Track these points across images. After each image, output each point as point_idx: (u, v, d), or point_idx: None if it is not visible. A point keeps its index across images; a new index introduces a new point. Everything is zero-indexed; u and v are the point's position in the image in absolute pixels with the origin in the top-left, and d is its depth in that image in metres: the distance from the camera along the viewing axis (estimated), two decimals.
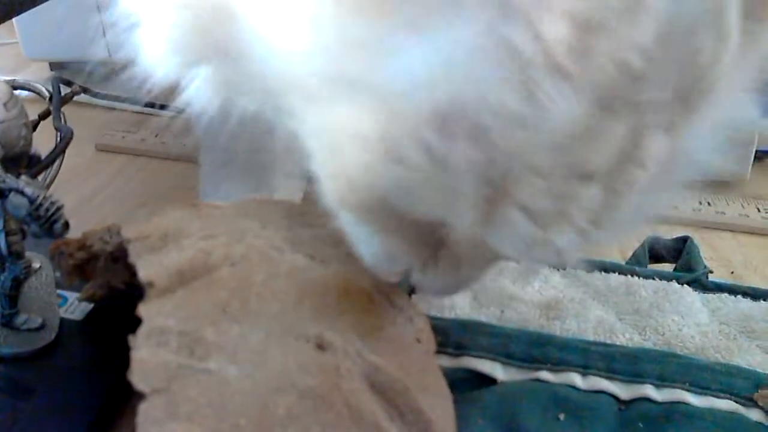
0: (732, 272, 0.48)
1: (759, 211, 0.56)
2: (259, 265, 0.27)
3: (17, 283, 0.34)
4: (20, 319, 0.34)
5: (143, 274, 0.26)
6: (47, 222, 0.34)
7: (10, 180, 0.35)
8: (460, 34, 0.19)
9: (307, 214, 0.31)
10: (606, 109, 0.19)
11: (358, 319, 0.26)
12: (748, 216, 0.55)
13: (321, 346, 0.24)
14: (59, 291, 0.36)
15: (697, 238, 0.47)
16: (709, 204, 0.57)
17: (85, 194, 0.54)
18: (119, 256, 0.31)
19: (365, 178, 0.22)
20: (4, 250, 0.34)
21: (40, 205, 0.35)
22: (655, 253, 0.45)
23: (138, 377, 0.22)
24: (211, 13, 0.25)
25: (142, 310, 0.24)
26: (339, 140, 0.23)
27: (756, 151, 0.60)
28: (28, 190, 0.35)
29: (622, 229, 0.24)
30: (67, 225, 0.36)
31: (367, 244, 0.26)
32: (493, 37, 0.19)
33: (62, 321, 0.34)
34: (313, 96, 0.23)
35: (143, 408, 0.21)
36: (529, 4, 0.18)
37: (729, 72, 0.20)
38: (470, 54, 0.19)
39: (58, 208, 0.36)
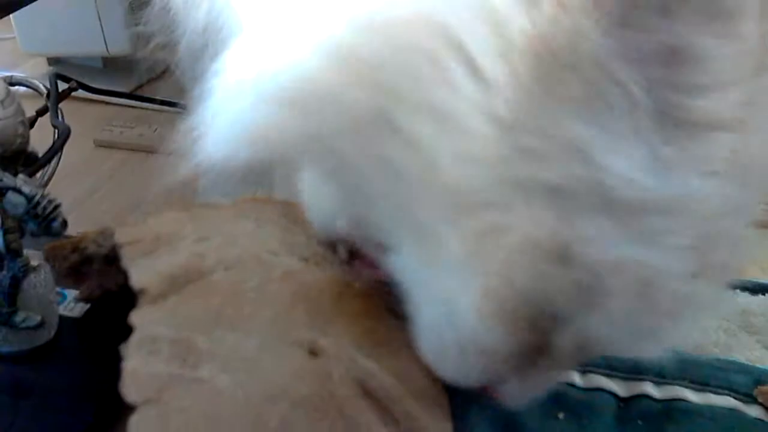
0: None
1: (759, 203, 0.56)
2: (253, 269, 0.27)
3: (16, 281, 0.34)
4: (19, 317, 0.34)
5: (135, 280, 0.25)
6: (45, 220, 0.34)
7: (7, 178, 0.35)
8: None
9: (303, 214, 0.31)
10: None
11: (352, 322, 0.26)
12: None
13: (314, 352, 0.24)
14: (58, 288, 0.36)
15: None
16: None
17: (83, 190, 0.54)
18: (113, 259, 0.30)
19: (531, 282, 0.22)
20: (3, 248, 0.34)
21: (38, 203, 0.35)
22: None
23: (129, 388, 0.22)
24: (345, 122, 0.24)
25: (134, 317, 0.24)
26: (503, 245, 0.22)
27: None
28: (26, 189, 0.35)
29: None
30: (65, 223, 0.36)
31: (462, 360, 0.25)
32: None
33: (61, 319, 0.34)
34: (472, 204, 0.22)
35: (134, 420, 0.21)
36: None
37: None
38: None
39: (56, 207, 0.36)
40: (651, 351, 0.26)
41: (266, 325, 0.25)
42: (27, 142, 0.40)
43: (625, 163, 0.21)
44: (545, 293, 0.23)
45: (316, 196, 0.29)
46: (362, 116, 0.22)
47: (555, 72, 0.21)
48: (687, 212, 0.22)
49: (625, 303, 0.23)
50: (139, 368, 0.22)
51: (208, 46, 0.32)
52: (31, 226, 0.35)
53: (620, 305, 0.23)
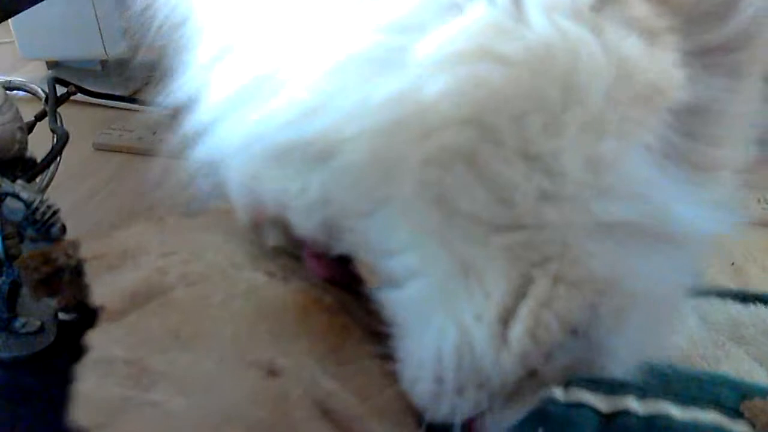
0: (732, 263, 0.48)
1: (759, 202, 0.56)
2: (216, 285, 0.26)
3: (15, 287, 0.34)
4: (19, 323, 0.34)
5: (95, 297, 0.25)
6: (44, 226, 0.34)
7: (5, 184, 0.35)
8: None
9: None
10: None
11: (316, 340, 0.25)
12: (747, 207, 0.55)
13: (273, 372, 0.24)
14: None
15: None
16: None
17: (82, 193, 0.54)
18: (81, 271, 0.30)
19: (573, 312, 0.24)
20: (2, 254, 0.34)
21: (37, 209, 0.35)
22: None
23: (80, 412, 0.21)
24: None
25: (90, 337, 0.23)
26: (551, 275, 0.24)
27: None
28: (24, 195, 0.35)
29: None
30: (63, 229, 0.36)
31: (457, 393, 0.25)
32: None
33: (60, 323, 0.34)
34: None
35: None
36: None
37: None
38: None
39: (55, 212, 0.36)
40: (630, 365, 0.28)
41: (225, 343, 0.24)
42: (25, 147, 0.40)
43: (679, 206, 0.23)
44: (581, 323, 0.24)
45: (288, 194, 0.28)
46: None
47: None
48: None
49: (638, 318, 0.25)
50: (91, 391, 0.22)
51: (169, 43, 0.31)
52: (30, 232, 0.35)
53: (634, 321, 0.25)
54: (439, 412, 0.26)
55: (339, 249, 0.27)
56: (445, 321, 0.25)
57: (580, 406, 0.31)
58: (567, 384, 0.31)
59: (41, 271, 0.31)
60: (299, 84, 0.24)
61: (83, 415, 0.21)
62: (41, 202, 0.38)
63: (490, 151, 0.22)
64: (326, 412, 0.24)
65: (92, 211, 0.52)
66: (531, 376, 0.26)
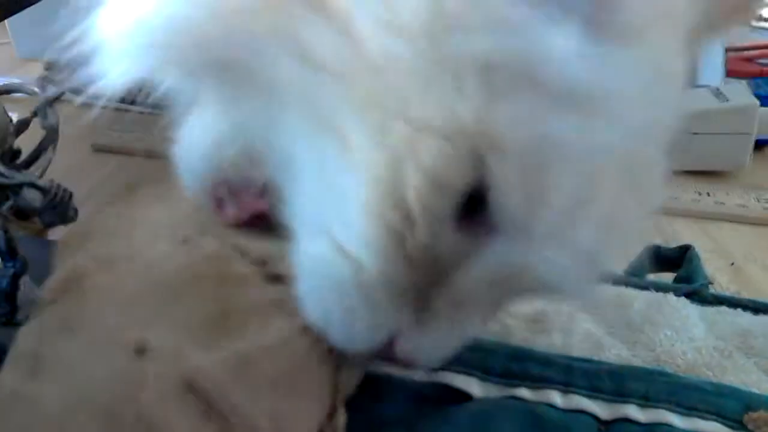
0: (732, 263, 0.48)
1: (758, 201, 0.56)
2: (127, 267, 0.25)
3: (15, 280, 0.34)
4: (21, 315, 0.34)
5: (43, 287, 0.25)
6: (63, 210, 0.34)
7: (19, 175, 0.35)
8: None
9: None
10: None
11: (198, 310, 0.24)
12: (747, 206, 0.55)
13: (140, 351, 0.23)
14: None
15: (696, 228, 0.47)
16: (708, 194, 0.56)
17: (81, 195, 0.53)
18: None
19: (443, 171, 0.20)
20: (4, 248, 0.34)
21: (55, 194, 0.36)
22: (657, 262, 0.43)
23: None
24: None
25: (19, 331, 0.23)
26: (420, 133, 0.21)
27: (755, 141, 0.60)
28: (40, 182, 0.35)
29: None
30: (76, 211, 0.36)
31: (347, 311, 0.23)
32: None
33: None
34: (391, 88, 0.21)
35: None
36: None
37: None
38: None
39: (71, 195, 0.36)
40: (582, 288, 0.24)
41: (103, 327, 0.23)
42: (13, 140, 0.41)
43: (557, 44, 0.20)
44: (466, 186, 0.21)
45: (200, 138, 0.28)
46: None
47: None
48: (613, 106, 0.21)
49: (565, 200, 0.21)
50: None
51: None
52: (46, 218, 0.35)
53: (559, 203, 0.21)
54: (337, 334, 0.24)
55: (260, 176, 0.25)
56: (326, 205, 0.23)
57: (579, 412, 0.30)
58: (566, 390, 0.31)
59: None
60: None
61: None
62: (58, 186, 0.38)
63: None
64: (192, 390, 0.22)
65: (91, 211, 0.51)
66: (437, 283, 0.23)
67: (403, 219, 0.21)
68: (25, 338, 0.24)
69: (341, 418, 0.26)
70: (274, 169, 0.24)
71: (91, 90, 0.24)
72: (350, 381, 0.27)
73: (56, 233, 0.44)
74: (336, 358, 0.25)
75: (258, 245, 0.26)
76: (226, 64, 0.23)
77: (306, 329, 0.24)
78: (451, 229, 0.22)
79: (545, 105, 0.20)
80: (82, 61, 0.24)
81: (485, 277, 0.23)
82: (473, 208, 0.21)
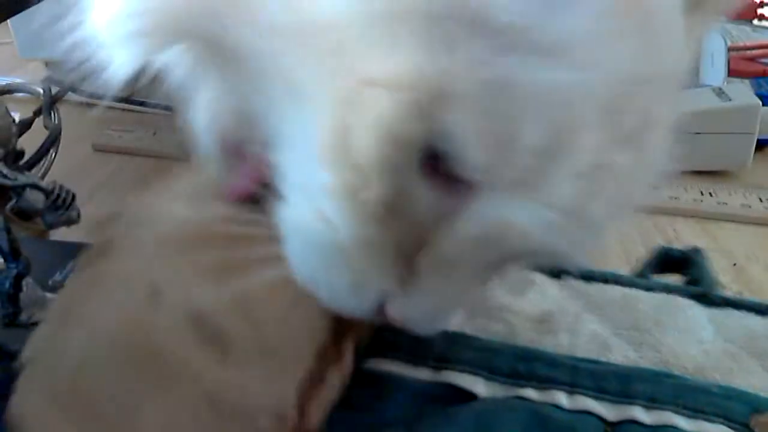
0: (734, 264, 0.48)
1: (761, 201, 0.56)
2: (155, 227, 0.27)
3: (18, 281, 0.34)
4: (25, 316, 0.34)
5: None
6: (66, 211, 0.34)
7: (22, 176, 0.35)
8: None
9: None
10: None
11: (213, 260, 0.26)
12: (750, 206, 0.55)
13: (153, 294, 0.25)
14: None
15: (698, 228, 0.47)
16: (710, 194, 0.56)
17: (82, 194, 0.53)
18: None
19: (395, 127, 0.20)
20: (7, 249, 0.34)
21: (58, 195, 0.36)
22: (664, 263, 0.42)
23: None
24: None
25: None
26: (354, 87, 0.20)
27: (757, 141, 0.59)
28: (42, 184, 0.35)
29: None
30: (79, 213, 0.37)
31: (332, 273, 0.23)
32: None
33: None
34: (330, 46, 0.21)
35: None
36: None
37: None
38: None
39: (74, 196, 0.36)
40: (575, 250, 0.23)
41: (120, 278, 0.26)
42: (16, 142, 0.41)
43: None
44: (428, 140, 0.20)
45: (204, 113, 0.28)
46: None
47: None
48: (573, 46, 0.19)
49: (538, 140, 0.19)
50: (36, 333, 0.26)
51: None
52: (48, 219, 0.35)
53: (531, 142, 0.19)
54: (323, 292, 0.24)
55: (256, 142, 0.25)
56: (302, 166, 0.23)
57: (585, 413, 0.30)
58: (572, 391, 0.30)
59: None
60: None
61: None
62: (60, 188, 0.38)
63: None
64: (198, 322, 0.24)
65: (91, 212, 0.51)
66: (420, 244, 0.22)
67: (361, 176, 0.21)
68: (59, 298, 0.28)
69: (349, 356, 0.28)
70: (266, 139, 0.25)
71: (96, 84, 0.25)
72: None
73: (58, 234, 0.44)
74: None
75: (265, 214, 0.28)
76: (202, 40, 0.23)
77: None
78: (424, 188, 0.21)
79: (497, 50, 0.19)
80: (83, 55, 0.25)
81: (469, 237, 0.22)
82: (444, 164, 0.21)
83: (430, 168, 0.21)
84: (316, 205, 0.23)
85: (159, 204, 0.28)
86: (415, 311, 0.24)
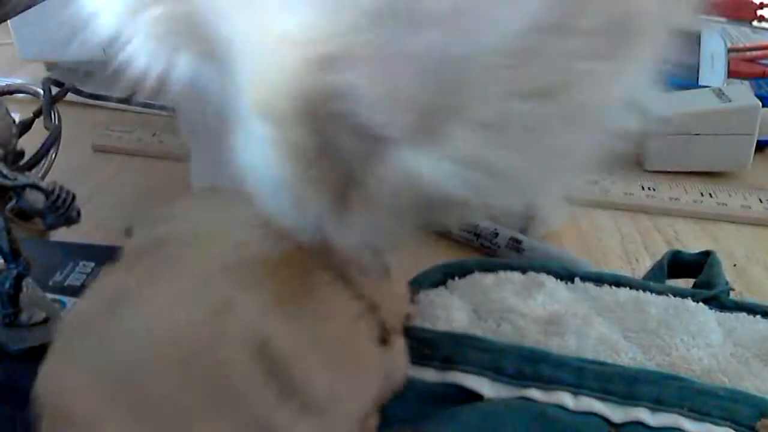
0: (735, 265, 0.48)
1: (761, 201, 0.56)
2: (225, 241, 0.27)
3: (19, 281, 0.34)
4: (25, 316, 0.34)
5: None
6: (66, 212, 0.34)
7: (22, 177, 0.35)
8: None
9: None
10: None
11: (288, 289, 0.26)
12: (750, 207, 0.55)
13: (225, 309, 0.24)
14: (59, 297, 0.36)
15: (698, 230, 0.47)
16: (710, 195, 0.56)
17: (82, 195, 0.53)
18: None
19: (297, 81, 0.21)
20: (7, 249, 0.34)
21: (58, 196, 0.36)
22: (675, 267, 0.42)
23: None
24: None
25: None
26: (269, 43, 0.22)
27: (757, 142, 0.59)
28: (42, 184, 0.35)
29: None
30: (79, 213, 0.36)
31: (274, 188, 0.24)
32: None
33: None
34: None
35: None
36: None
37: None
38: None
39: (74, 197, 0.36)
40: (496, 206, 0.24)
41: (192, 280, 0.25)
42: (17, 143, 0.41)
43: None
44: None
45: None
46: None
47: None
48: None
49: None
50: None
51: None
52: (49, 220, 0.35)
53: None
54: (281, 215, 0.25)
55: None
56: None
57: (590, 414, 0.30)
58: (577, 392, 0.31)
59: None
60: None
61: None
62: (60, 188, 0.38)
63: None
64: (263, 352, 0.23)
65: (91, 213, 0.51)
66: (349, 181, 0.23)
67: (282, 124, 0.22)
68: (108, 274, 0.26)
69: (372, 420, 0.28)
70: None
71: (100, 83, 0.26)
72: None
73: (58, 234, 0.44)
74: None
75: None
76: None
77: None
78: (346, 133, 0.22)
79: (383, 14, 0.20)
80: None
81: (386, 182, 0.23)
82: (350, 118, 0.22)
83: (343, 119, 0.22)
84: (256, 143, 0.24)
85: (204, 222, 0.28)
86: (348, 237, 0.25)
